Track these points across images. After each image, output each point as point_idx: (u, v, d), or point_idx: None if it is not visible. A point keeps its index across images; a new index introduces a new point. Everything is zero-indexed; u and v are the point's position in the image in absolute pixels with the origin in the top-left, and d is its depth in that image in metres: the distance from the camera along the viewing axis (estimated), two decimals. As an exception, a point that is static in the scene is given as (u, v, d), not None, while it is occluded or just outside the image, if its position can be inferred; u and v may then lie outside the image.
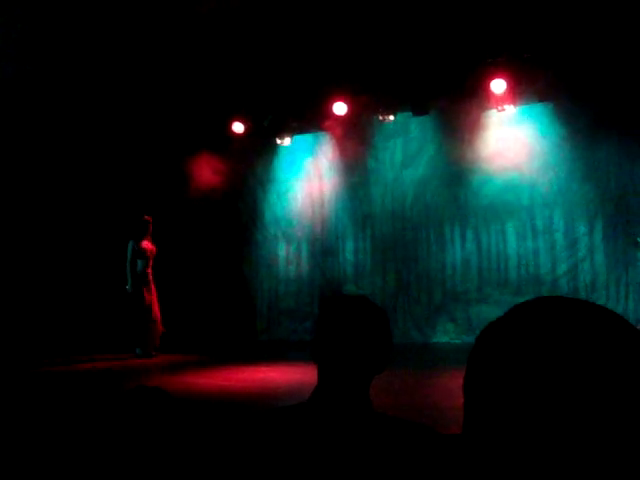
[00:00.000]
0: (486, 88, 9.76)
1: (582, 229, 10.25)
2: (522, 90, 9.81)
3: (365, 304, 1.85)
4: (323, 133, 11.67)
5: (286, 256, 12.47)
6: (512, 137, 10.51)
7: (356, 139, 11.46)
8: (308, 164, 12.26)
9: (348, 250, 11.95)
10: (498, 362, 0.71)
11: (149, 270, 9.84)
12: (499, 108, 10.28)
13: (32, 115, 9.91)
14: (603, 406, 0.64)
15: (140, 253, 9.72)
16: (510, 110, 10.31)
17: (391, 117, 10.91)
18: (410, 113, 10.97)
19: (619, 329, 0.70)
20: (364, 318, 1.80)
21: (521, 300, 0.79)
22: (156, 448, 2.09)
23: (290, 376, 7.23)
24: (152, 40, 8.78)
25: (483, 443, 0.70)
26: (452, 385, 5.59)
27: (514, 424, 0.67)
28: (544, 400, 0.66)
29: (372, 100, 10.56)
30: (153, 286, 9.82)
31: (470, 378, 0.75)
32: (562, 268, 10.34)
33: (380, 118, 10.96)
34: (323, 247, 12.11)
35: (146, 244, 9.83)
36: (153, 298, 9.76)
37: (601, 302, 9.68)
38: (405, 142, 11.55)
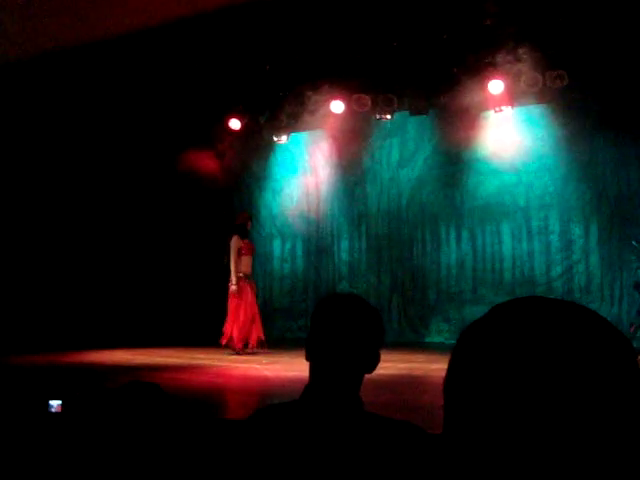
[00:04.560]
0: (484, 89, 9.76)
1: (577, 231, 10.27)
2: (519, 91, 9.81)
3: (358, 303, 1.85)
4: (320, 131, 11.66)
5: (281, 254, 12.47)
6: (509, 138, 10.52)
7: (353, 138, 11.45)
8: (304, 162, 12.26)
9: (343, 249, 11.95)
10: (476, 363, 0.71)
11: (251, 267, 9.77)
12: (496, 109, 10.29)
13: (24, 103, 9.87)
14: (580, 405, 0.64)
15: (244, 250, 9.61)
16: (507, 111, 10.31)
17: (388, 116, 10.90)
18: (407, 113, 10.96)
19: (599, 329, 0.70)
20: (357, 317, 1.81)
21: None
22: (149, 443, 2.08)
23: (284, 374, 7.22)
24: (149, 36, 8.76)
25: (461, 443, 0.70)
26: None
27: (491, 424, 0.67)
28: (521, 400, 0.66)
29: (369, 99, 10.55)
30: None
31: (449, 379, 0.75)
32: (557, 270, 10.36)
33: (377, 117, 10.95)
34: (318, 245, 12.12)
35: (247, 241, 9.72)
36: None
37: (595, 304, 9.71)
38: (402, 142, 11.55)
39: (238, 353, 9.24)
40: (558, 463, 0.64)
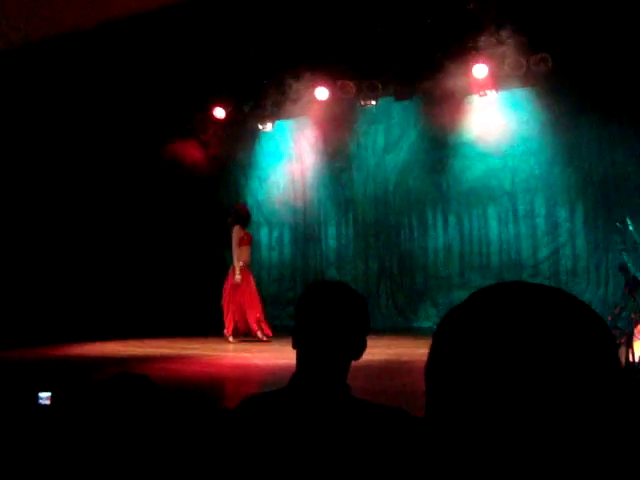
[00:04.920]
0: (468, 73, 9.76)
1: (563, 214, 10.31)
2: (504, 75, 9.82)
3: (344, 290, 1.86)
4: (305, 118, 11.62)
5: (269, 242, 12.46)
6: (494, 122, 10.53)
7: (338, 124, 11.42)
8: (290, 150, 12.22)
9: (330, 236, 11.95)
10: (456, 348, 0.71)
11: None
12: (481, 93, 10.29)
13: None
14: (559, 388, 0.65)
15: (245, 240, 9.72)
16: (492, 95, 10.32)
17: (373, 102, 10.89)
18: (392, 98, 10.95)
19: (578, 314, 0.71)
20: (342, 304, 1.81)
21: None
22: (138, 434, 2.08)
23: (273, 362, 7.23)
24: (133, 24, 8.68)
25: (442, 427, 0.70)
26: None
27: (471, 409, 0.67)
28: (500, 385, 0.66)
29: (354, 85, 10.53)
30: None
31: (430, 364, 0.75)
32: (543, 253, 10.41)
33: (362, 103, 10.93)
34: (305, 233, 12.11)
35: (247, 231, 9.84)
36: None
37: (582, 287, 9.78)
38: (387, 127, 11.54)
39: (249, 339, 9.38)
40: (538, 446, 0.64)
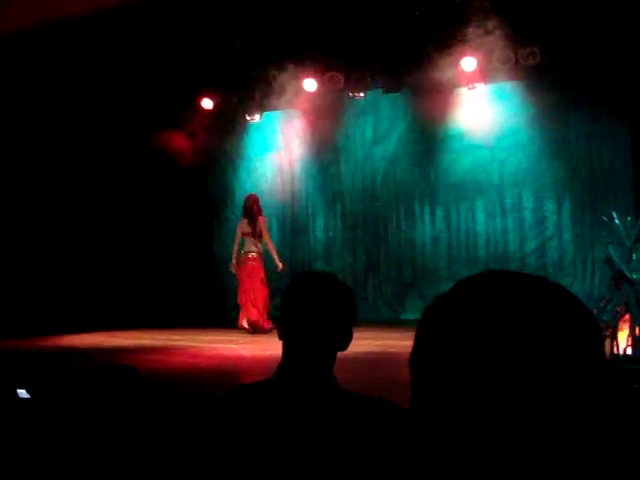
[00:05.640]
0: (456, 66, 9.76)
1: (550, 208, 10.35)
2: (492, 68, 9.83)
3: (330, 281, 1.85)
4: (293, 110, 11.59)
5: (256, 233, 12.42)
6: (482, 115, 10.54)
7: (326, 116, 11.41)
8: (278, 141, 12.19)
9: (318, 228, 11.94)
10: (440, 338, 0.71)
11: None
12: (470, 86, 10.30)
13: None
14: (545, 379, 0.65)
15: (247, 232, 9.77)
16: (480, 88, 10.33)
17: (361, 94, 10.87)
18: (381, 90, 10.93)
19: (562, 303, 0.70)
20: (328, 294, 1.81)
21: None
22: (121, 426, 2.07)
23: (260, 353, 7.23)
24: (122, 14, 8.62)
25: (427, 419, 0.70)
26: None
27: (456, 399, 0.67)
28: (487, 375, 0.66)
29: (342, 77, 10.51)
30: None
31: (415, 354, 0.75)
32: (530, 246, 10.45)
33: (350, 95, 10.91)
34: (293, 224, 12.09)
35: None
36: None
37: (568, 280, 9.81)
38: (375, 120, 11.52)
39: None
40: (522, 436, 0.64)
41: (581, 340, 0.68)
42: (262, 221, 9.79)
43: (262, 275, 9.74)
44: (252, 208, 9.84)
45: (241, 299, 9.72)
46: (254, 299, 9.57)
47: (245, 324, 9.51)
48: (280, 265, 9.67)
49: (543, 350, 0.66)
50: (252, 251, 9.71)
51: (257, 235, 9.74)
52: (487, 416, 0.65)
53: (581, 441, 0.65)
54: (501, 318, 0.68)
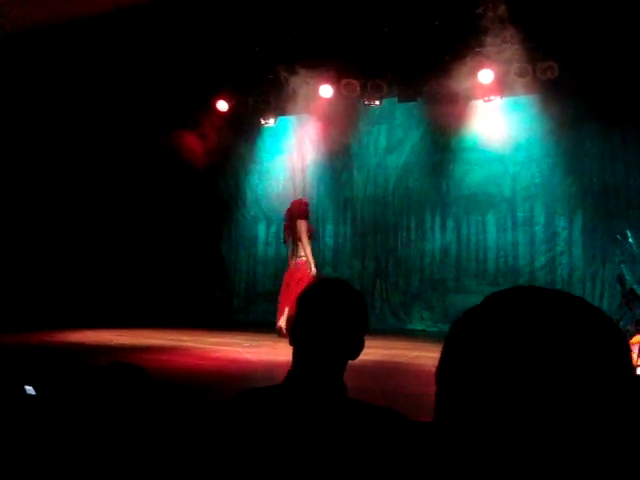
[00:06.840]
0: (473, 78, 9.74)
1: (562, 223, 10.31)
2: (509, 81, 9.81)
3: (344, 288, 1.84)
4: (308, 115, 11.60)
5: (265, 237, 12.43)
6: (497, 128, 10.52)
7: (341, 123, 11.40)
8: (291, 146, 12.20)
9: (328, 234, 11.93)
10: (471, 352, 0.70)
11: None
12: (485, 99, 10.29)
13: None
14: (575, 397, 0.64)
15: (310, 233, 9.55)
16: (496, 101, 10.32)
17: (377, 102, 10.87)
18: (396, 99, 10.93)
19: (594, 321, 0.70)
20: (342, 302, 1.79)
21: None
22: (128, 425, 2.06)
23: (265, 357, 7.22)
24: (139, 15, 8.65)
25: (454, 432, 0.69)
26: (426, 372, 5.60)
27: (485, 414, 0.66)
28: (517, 390, 0.65)
29: (358, 84, 10.51)
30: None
31: (442, 367, 0.74)
32: (540, 261, 10.40)
33: (366, 103, 10.92)
34: (303, 230, 12.07)
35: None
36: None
37: (577, 296, 9.75)
38: (390, 128, 11.52)
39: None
40: (552, 455, 0.63)
41: (611, 358, 0.67)
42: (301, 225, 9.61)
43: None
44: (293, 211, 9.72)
45: (285, 302, 9.44)
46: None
47: (283, 325, 9.26)
48: (313, 270, 9.51)
49: (574, 367, 0.65)
50: (301, 256, 9.63)
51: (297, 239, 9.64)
52: (516, 432, 0.64)
53: (615, 454, 0.64)
54: (533, 334, 0.67)
